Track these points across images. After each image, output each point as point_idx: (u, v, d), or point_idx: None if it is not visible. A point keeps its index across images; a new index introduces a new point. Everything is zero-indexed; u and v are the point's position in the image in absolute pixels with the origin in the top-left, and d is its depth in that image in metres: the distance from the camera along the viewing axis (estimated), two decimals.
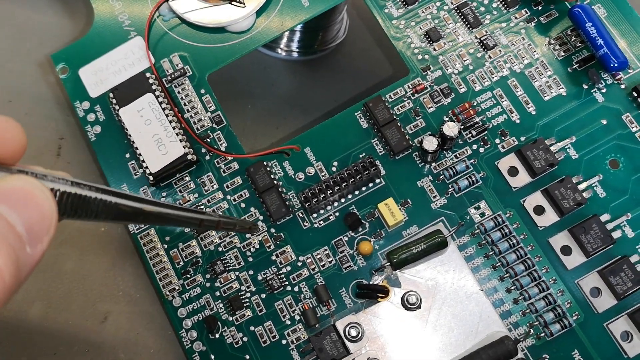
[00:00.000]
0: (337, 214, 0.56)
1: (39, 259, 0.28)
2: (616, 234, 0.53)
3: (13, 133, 0.30)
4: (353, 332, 0.52)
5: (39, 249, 0.27)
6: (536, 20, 0.59)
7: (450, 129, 0.54)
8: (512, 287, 0.53)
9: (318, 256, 0.56)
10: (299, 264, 0.56)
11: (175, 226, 0.43)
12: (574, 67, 0.58)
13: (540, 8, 0.60)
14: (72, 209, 0.29)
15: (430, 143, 0.54)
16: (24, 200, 0.27)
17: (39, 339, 0.60)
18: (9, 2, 0.72)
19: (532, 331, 0.52)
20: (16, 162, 0.30)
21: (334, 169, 0.57)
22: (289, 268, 0.56)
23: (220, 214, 0.37)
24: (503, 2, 0.60)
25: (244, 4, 0.62)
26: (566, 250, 0.53)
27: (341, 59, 0.73)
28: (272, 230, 0.57)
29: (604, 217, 0.54)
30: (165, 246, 0.57)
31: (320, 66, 0.73)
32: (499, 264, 0.53)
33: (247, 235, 0.56)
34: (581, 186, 0.54)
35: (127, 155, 0.60)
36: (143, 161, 0.58)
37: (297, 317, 0.55)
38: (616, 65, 0.55)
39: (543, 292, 0.53)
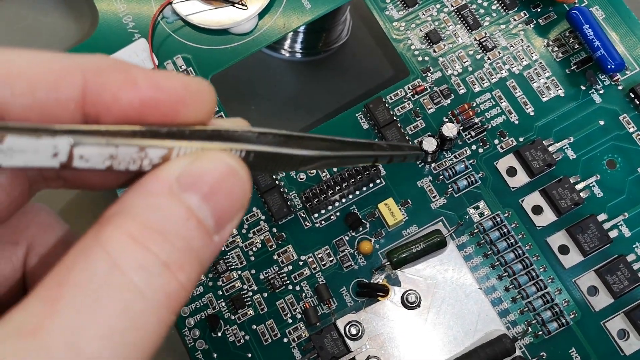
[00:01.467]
0: (337, 213, 0.57)
1: (224, 242, 0.26)
2: (613, 234, 0.53)
3: (206, 93, 0.27)
4: (353, 331, 0.53)
5: (226, 233, 0.26)
6: (535, 22, 0.60)
7: (450, 130, 0.55)
8: (510, 286, 0.53)
9: (319, 255, 0.56)
10: (300, 263, 0.56)
11: (350, 166, 0.41)
12: (572, 68, 0.58)
13: (538, 10, 0.60)
14: (260, 167, 0.27)
15: (430, 144, 0.55)
16: (216, 186, 0.25)
17: None
18: (15, 4, 0.72)
19: (529, 329, 0.53)
20: (209, 121, 0.28)
21: (334, 169, 0.58)
22: (290, 267, 0.56)
23: (391, 144, 0.35)
24: (502, 4, 0.60)
25: (246, 6, 0.62)
26: (564, 250, 0.54)
27: (344, 59, 0.73)
28: (274, 229, 0.57)
29: (601, 217, 0.54)
30: None
31: (324, 67, 0.73)
32: (497, 263, 0.54)
33: (250, 235, 0.57)
34: (579, 186, 0.55)
35: None
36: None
37: (299, 316, 0.55)
38: (613, 67, 0.55)
39: (541, 290, 0.53)
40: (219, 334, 0.56)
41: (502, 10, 0.60)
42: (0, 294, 0.29)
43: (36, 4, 0.73)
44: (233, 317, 0.56)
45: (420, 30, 0.61)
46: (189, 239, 0.24)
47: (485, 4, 0.61)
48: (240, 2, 0.62)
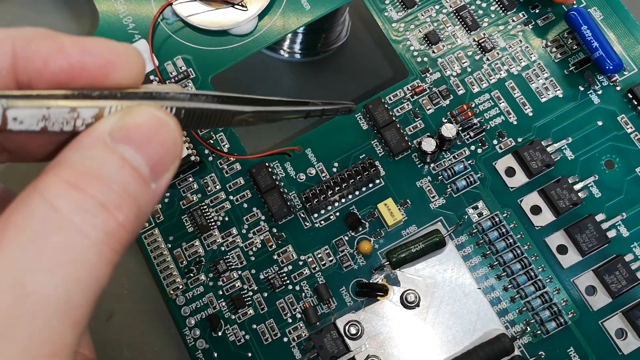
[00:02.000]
0: (337, 213, 0.57)
1: (164, 190, 0.27)
2: (611, 234, 0.54)
3: (134, 57, 0.28)
4: (353, 330, 0.53)
5: (164, 180, 0.27)
6: (533, 23, 0.60)
7: (449, 130, 0.55)
8: (509, 286, 0.54)
9: (319, 255, 0.56)
10: (300, 263, 0.56)
11: (284, 119, 0.42)
12: (571, 69, 0.58)
13: (537, 11, 0.60)
14: (195, 123, 0.29)
15: (429, 144, 0.55)
16: (148, 137, 0.26)
17: None
18: (15, 4, 0.73)
19: (528, 329, 0.53)
20: (138, 85, 0.29)
21: (334, 169, 0.58)
22: (290, 267, 0.56)
23: (324, 101, 0.36)
24: (501, 5, 0.60)
25: (246, 7, 0.62)
26: (562, 250, 0.54)
27: (343, 60, 0.73)
28: (274, 230, 0.57)
29: (599, 217, 0.54)
30: (169, 245, 0.58)
31: (323, 67, 0.73)
32: (496, 262, 0.54)
33: (250, 235, 0.57)
34: (577, 186, 0.55)
35: None
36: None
37: (298, 316, 0.55)
38: (611, 67, 0.55)
39: (539, 290, 0.53)
40: (220, 334, 0.56)
41: (500, 11, 0.61)
42: None
43: (36, 5, 0.73)
44: (233, 317, 0.56)
45: (419, 31, 0.61)
46: (125, 184, 0.25)
47: (484, 5, 0.61)
48: (240, 3, 0.62)
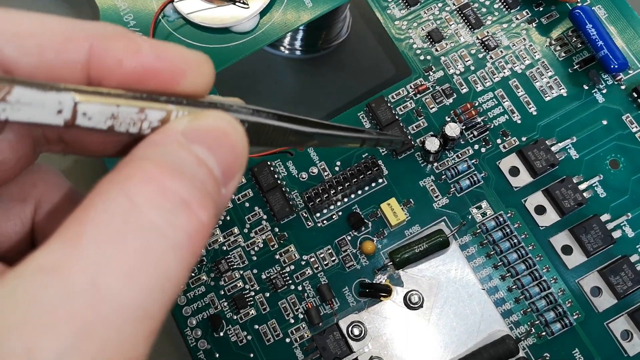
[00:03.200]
0: (340, 213, 0.57)
1: (231, 196, 0.27)
2: (616, 234, 0.54)
3: (206, 67, 0.28)
4: (356, 331, 0.53)
5: (231, 187, 0.26)
6: (537, 21, 0.60)
7: (452, 129, 0.55)
8: (514, 287, 0.53)
9: (321, 255, 0.56)
10: (303, 263, 0.56)
11: (339, 146, 0.43)
12: (575, 67, 0.58)
13: (541, 9, 0.60)
14: (255, 138, 0.28)
15: (432, 144, 0.55)
16: (220, 140, 0.26)
17: None
18: (15, 2, 0.72)
19: (533, 330, 0.53)
20: (205, 95, 0.29)
21: (337, 168, 0.58)
22: (292, 267, 0.56)
23: (378, 131, 0.37)
24: (504, 3, 0.60)
25: (247, 4, 0.62)
26: (567, 250, 0.54)
27: (344, 56, 0.73)
28: (276, 229, 0.57)
29: (604, 217, 0.54)
30: None
31: (324, 64, 0.73)
32: (500, 263, 0.54)
33: (252, 235, 0.57)
34: (582, 186, 0.55)
35: None
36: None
37: (301, 316, 0.55)
38: (616, 66, 0.55)
39: (544, 291, 0.53)
40: (221, 334, 0.56)
41: (504, 9, 0.60)
42: (10, 250, 0.30)
43: (35, 1, 0.73)
44: (235, 317, 0.56)
45: (422, 29, 0.61)
46: (204, 182, 0.25)
47: (487, 2, 0.61)
48: (241, 1, 0.62)
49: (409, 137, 0.57)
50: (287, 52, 0.72)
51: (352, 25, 0.72)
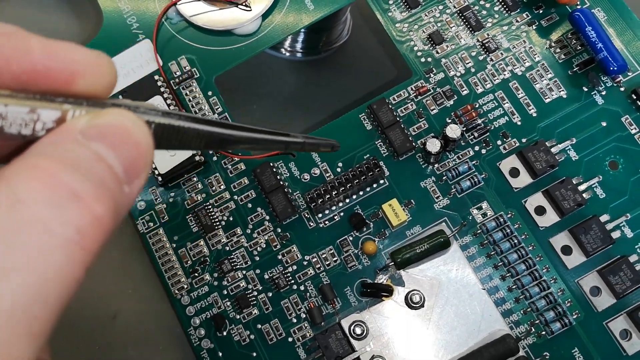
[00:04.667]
0: (342, 214, 0.57)
1: (136, 196, 0.26)
2: (615, 234, 0.54)
3: (105, 67, 0.27)
4: (358, 330, 0.53)
5: (136, 186, 0.26)
6: (537, 23, 0.60)
7: (453, 131, 0.55)
8: (514, 286, 0.54)
9: (323, 255, 0.57)
10: (305, 263, 0.57)
11: (262, 150, 0.41)
12: (574, 70, 0.59)
13: (541, 12, 0.61)
14: (165, 140, 0.28)
15: (433, 145, 0.55)
16: (121, 138, 0.25)
17: (51, 336, 0.61)
18: (18, 3, 0.73)
19: (533, 329, 0.53)
20: (107, 96, 0.28)
21: (338, 169, 0.58)
22: (294, 267, 0.57)
23: (306, 135, 0.36)
24: (504, 6, 0.61)
25: (250, 7, 0.62)
26: (566, 250, 0.54)
27: (345, 59, 0.73)
28: (279, 230, 0.58)
29: (604, 218, 0.55)
30: (174, 245, 0.58)
31: (324, 66, 0.73)
32: (500, 263, 0.54)
33: (254, 235, 0.57)
34: (581, 187, 0.55)
35: None
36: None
37: (303, 316, 0.56)
38: (616, 68, 0.55)
39: (544, 291, 0.54)
40: (224, 333, 0.56)
41: (504, 11, 0.61)
42: None
43: (38, 3, 0.73)
44: (238, 317, 0.56)
45: (423, 32, 0.61)
46: (102, 177, 0.24)
47: (487, 5, 0.61)
48: (244, 4, 0.62)
49: (410, 139, 0.57)
50: (288, 54, 0.72)
51: (353, 28, 0.73)
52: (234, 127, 0.32)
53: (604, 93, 0.58)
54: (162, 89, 0.61)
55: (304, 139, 0.37)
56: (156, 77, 0.62)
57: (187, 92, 0.62)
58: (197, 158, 0.59)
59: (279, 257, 0.57)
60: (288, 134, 0.36)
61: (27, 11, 0.73)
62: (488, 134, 0.58)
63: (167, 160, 0.58)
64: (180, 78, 0.62)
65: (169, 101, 0.60)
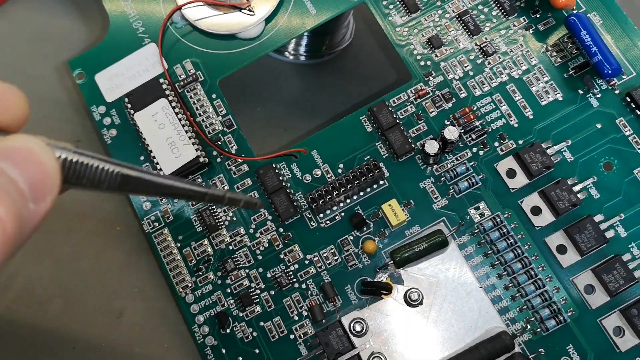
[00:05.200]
0: (342, 214, 0.58)
1: (42, 217, 0.27)
2: (609, 234, 0.55)
3: (16, 101, 0.28)
4: (358, 327, 0.54)
5: (42, 207, 0.26)
6: (534, 27, 0.61)
7: (451, 132, 0.56)
8: (510, 285, 0.55)
9: (324, 254, 0.58)
10: (306, 262, 0.58)
11: (180, 198, 0.41)
12: (570, 73, 0.60)
13: (538, 16, 0.62)
14: (75, 176, 0.29)
15: (432, 146, 0.56)
16: (26, 158, 0.26)
17: (58, 333, 0.62)
18: (26, 8, 0.74)
19: (528, 326, 0.54)
20: (18, 130, 0.29)
21: (339, 170, 0.59)
22: (296, 266, 0.58)
23: (227, 189, 0.35)
24: (502, 10, 0.62)
25: (253, 11, 0.63)
26: (561, 249, 0.55)
27: (347, 62, 0.74)
28: (281, 229, 0.59)
29: (598, 218, 0.55)
30: (179, 244, 0.59)
31: (327, 69, 0.74)
32: (497, 262, 0.55)
33: (257, 235, 0.58)
34: (576, 188, 0.56)
35: (142, 158, 0.62)
36: (157, 164, 0.60)
37: (305, 313, 0.57)
38: (610, 72, 0.56)
39: (539, 289, 0.55)
40: (228, 331, 0.57)
41: (502, 16, 0.62)
42: None
43: (46, 8, 0.74)
44: (241, 315, 0.57)
45: (423, 36, 0.62)
46: (6, 187, 0.25)
47: (485, 9, 0.62)
48: (247, 8, 0.63)
49: (409, 141, 0.58)
50: (291, 57, 0.73)
51: (355, 32, 0.73)
52: (148, 173, 0.32)
53: (599, 96, 0.59)
54: (167, 92, 0.62)
55: (224, 193, 0.37)
56: (161, 80, 0.63)
57: (192, 95, 0.63)
58: (201, 159, 0.59)
59: (281, 256, 0.58)
60: (209, 186, 0.36)
61: (35, 15, 0.74)
62: (485, 135, 0.59)
63: (172, 161, 0.60)
64: (185, 81, 0.63)
65: (173, 104, 0.61)
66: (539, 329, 0.54)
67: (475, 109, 0.60)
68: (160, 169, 0.60)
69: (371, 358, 0.54)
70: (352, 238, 0.58)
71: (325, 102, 0.70)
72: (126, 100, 0.63)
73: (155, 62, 0.64)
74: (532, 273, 0.55)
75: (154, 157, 0.60)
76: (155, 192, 0.34)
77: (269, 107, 0.72)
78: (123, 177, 0.31)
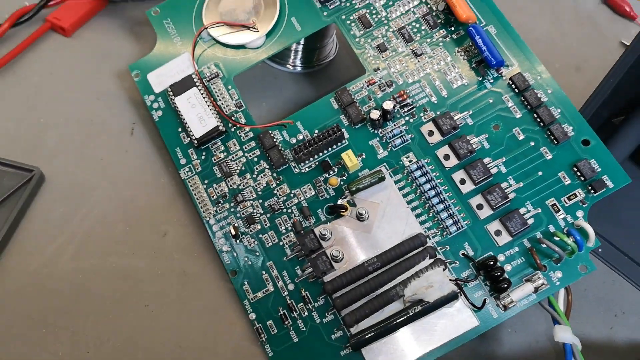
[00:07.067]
0: (316, 163, 0.72)
1: None
2: (494, 170, 0.69)
3: None
4: (325, 233, 0.67)
5: None
6: (450, 36, 0.76)
7: (387, 105, 0.72)
8: (426, 205, 0.69)
9: (304, 190, 0.72)
10: (292, 195, 0.72)
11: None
12: (473, 66, 0.75)
13: (452, 28, 0.77)
14: None
15: (375, 114, 0.71)
16: None
17: (123, 246, 0.76)
18: (92, 31, 0.89)
19: (438, 232, 0.68)
20: None
21: (315, 134, 0.73)
22: (285, 197, 0.72)
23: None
24: (428, 25, 0.77)
25: (257, 29, 0.79)
26: (462, 182, 0.70)
27: (332, 71, 0.87)
28: (274, 174, 0.73)
29: (487, 160, 0.69)
30: (205, 186, 0.74)
31: (317, 77, 0.87)
32: (419, 191, 0.69)
33: (258, 178, 0.74)
34: (473, 141, 0.70)
35: (179, 129, 0.77)
36: (190, 131, 0.75)
37: (289, 228, 0.71)
38: (495, 63, 0.72)
39: (447, 209, 0.68)
40: (238, 241, 0.72)
41: (428, 29, 0.77)
42: None
43: (110, 31, 0.89)
44: (247, 230, 0.72)
45: (374, 43, 0.77)
46: None
47: (417, 25, 0.78)
48: (253, 27, 0.80)
49: (362, 114, 0.75)
50: (291, 68, 0.87)
51: (338, 49, 0.89)
52: None
53: (491, 81, 0.74)
54: (197, 84, 0.77)
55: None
56: (193, 76, 0.78)
57: (214, 87, 0.78)
58: (220, 128, 0.75)
59: (275, 191, 0.72)
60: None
61: (100, 36, 0.89)
62: (414, 109, 0.73)
63: (200, 128, 0.76)
64: (210, 77, 0.78)
65: (202, 92, 0.78)
66: (445, 233, 0.68)
67: (408, 91, 0.74)
68: (193, 134, 0.76)
69: (332, 252, 0.66)
70: (322, 178, 0.71)
71: (313, 100, 0.78)
72: (169, 90, 0.76)
73: (189, 65, 0.79)
74: (442, 197, 0.68)
75: (188, 127, 0.75)
76: None
77: (272, 102, 0.84)
78: None
